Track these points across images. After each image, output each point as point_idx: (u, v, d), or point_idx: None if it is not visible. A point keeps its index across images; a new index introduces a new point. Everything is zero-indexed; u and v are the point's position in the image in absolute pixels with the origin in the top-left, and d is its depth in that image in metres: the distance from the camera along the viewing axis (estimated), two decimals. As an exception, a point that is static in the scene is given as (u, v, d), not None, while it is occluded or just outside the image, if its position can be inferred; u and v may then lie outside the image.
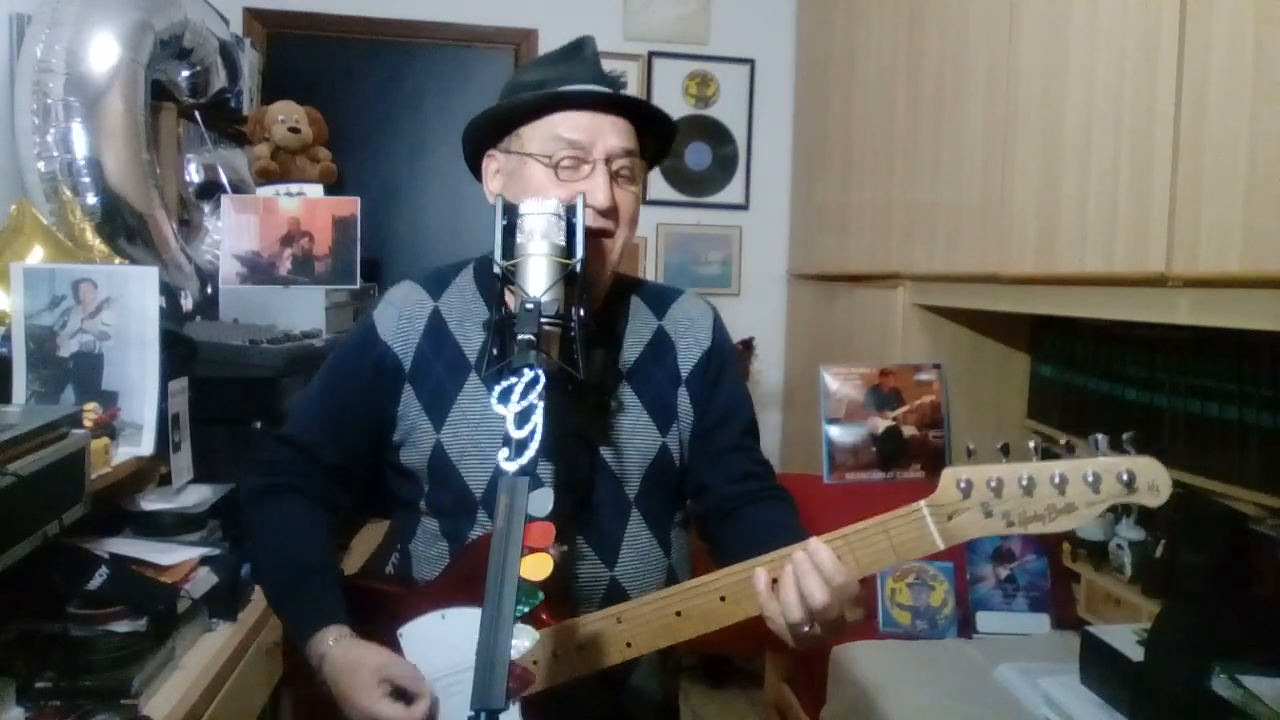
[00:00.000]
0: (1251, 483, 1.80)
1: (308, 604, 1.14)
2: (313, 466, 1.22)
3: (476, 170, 1.24)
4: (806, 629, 0.94)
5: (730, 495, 1.21)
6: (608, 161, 1.13)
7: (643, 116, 1.17)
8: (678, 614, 1.00)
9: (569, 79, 1.15)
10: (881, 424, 2.49)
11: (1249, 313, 1.39)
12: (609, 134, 1.13)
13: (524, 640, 1.07)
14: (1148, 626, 1.62)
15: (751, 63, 3.82)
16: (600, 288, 1.20)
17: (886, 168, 2.76)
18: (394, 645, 1.12)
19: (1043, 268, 1.88)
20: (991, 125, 2.11)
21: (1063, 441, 0.90)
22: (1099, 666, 1.63)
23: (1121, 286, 1.67)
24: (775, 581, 0.95)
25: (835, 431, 2.49)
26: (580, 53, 1.19)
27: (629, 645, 1.02)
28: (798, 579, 0.93)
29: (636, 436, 1.19)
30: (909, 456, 2.48)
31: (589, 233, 1.10)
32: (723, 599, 0.98)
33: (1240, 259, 1.34)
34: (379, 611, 1.15)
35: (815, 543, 0.94)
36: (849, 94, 3.10)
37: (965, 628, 2.11)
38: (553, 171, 1.12)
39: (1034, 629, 2.10)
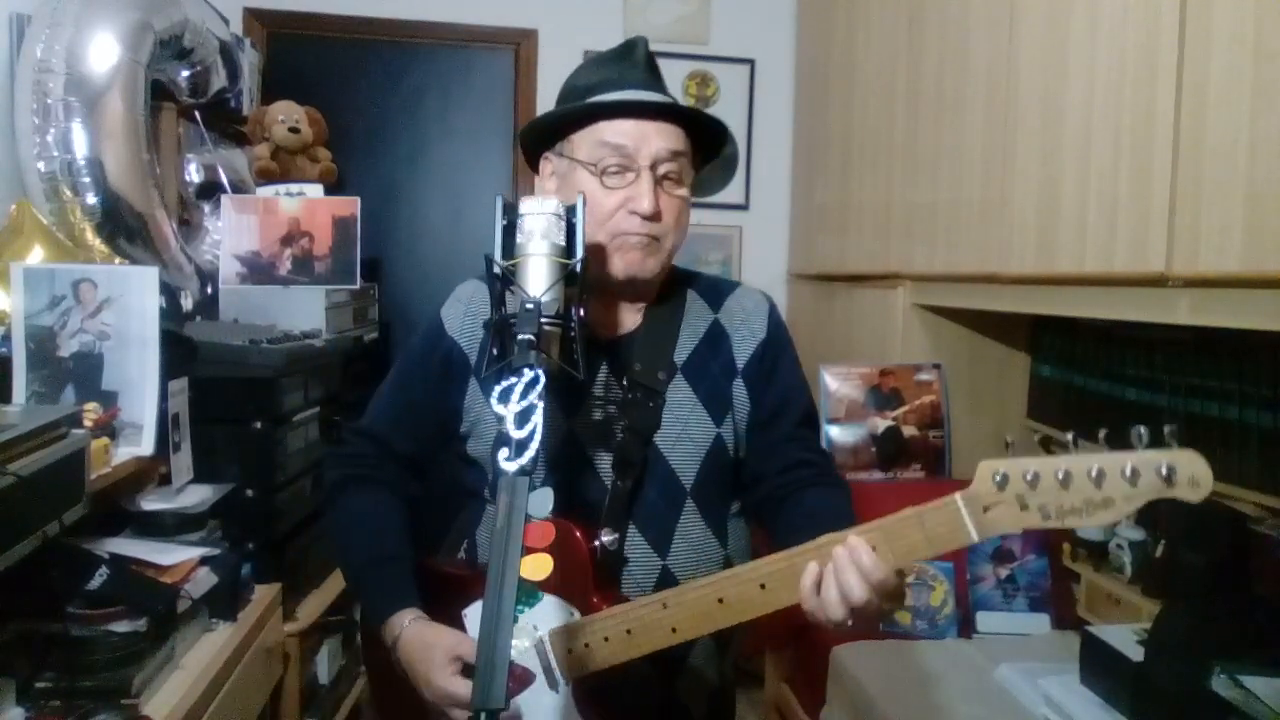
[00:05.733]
0: (1251, 483, 1.80)
1: (385, 589, 1.19)
2: (388, 456, 1.28)
3: (536, 168, 1.28)
4: (847, 622, 0.95)
5: (782, 484, 1.22)
6: (653, 167, 1.15)
7: (690, 117, 1.20)
8: (720, 600, 1.01)
9: (619, 82, 1.19)
10: (881, 424, 2.49)
11: (1249, 313, 1.39)
12: (654, 139, 1.15)
13: (524, 640, 1.08)
14: (1148, 626, 1.62)
15: (751, 63, 3.81)
16: (649, 286, 1.24)
17: (886, 168, 2.76)
18: (459, 625, 1.17)
19: (1042, 268, 1.88)
20: (991, 125, 2.11)
21: (1101, 434, 0.88)
22: (1099, 666, 1.63)
23: (1121, 286, 1.67)
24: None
25: (835, 431, 2.49)
26: (631, 55, 1.23)
27: (674, 631, 1.03)
28: (838, 577, 0.93)
29: (691, 429, 1.22)
30: (909, 456, 2.48)
31: (635, 237, 1.15)
32: (763, 587, 0.99)
33: (1240, 259, 1.34)
34: (446, 593, 1.20)
35: (854, 539, 0.94)
36: (849, 94, 3.10)
37: (965, 628, 2.11)
38: (599, 178, 1.15)
39: (1034, 629, 2.10)
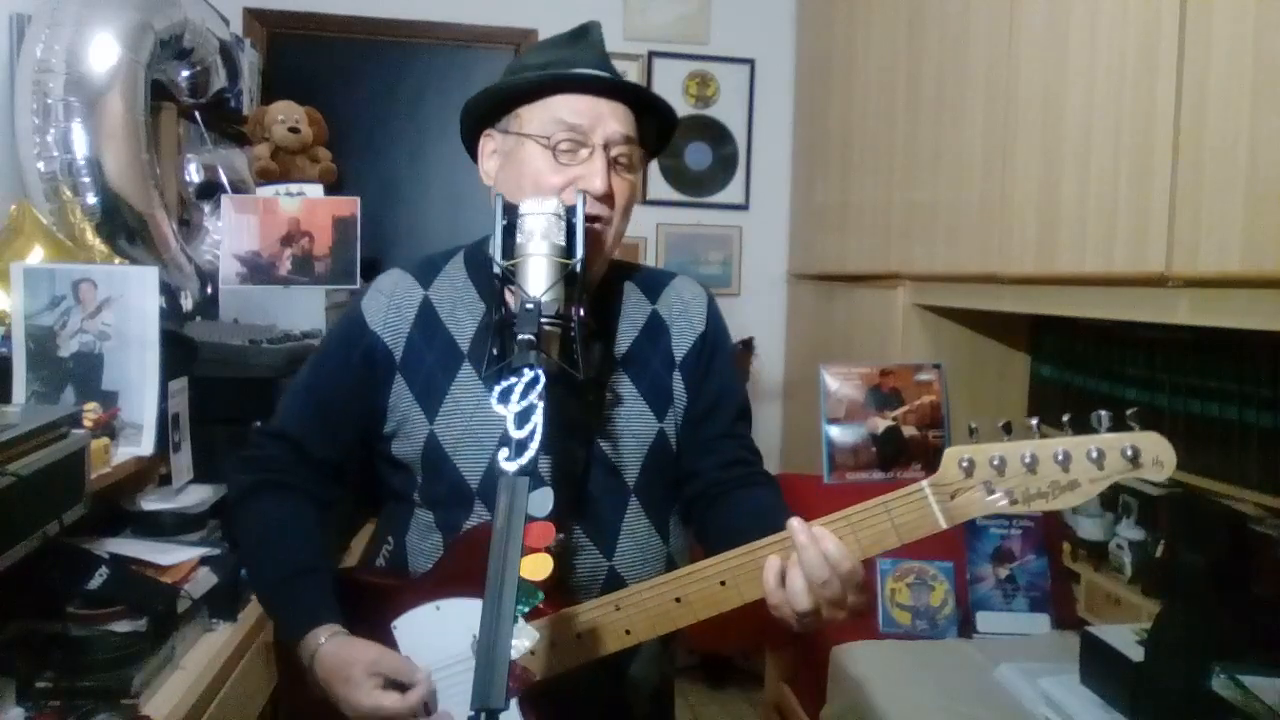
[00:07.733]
0: (1251, 483, 1.81)
1: (299, 604, 1.12)
2: (301, 461, 1.20)
3: (473, 150, 1.23)
4: (811, 615, 0.93)
5: (717, 481, 1.20)
6: (606, 147, 1.11)
7: (644, 105, 1.16)
8: (677, 600, 0.99)
9: (573, 63, 1.15)
10: (881, 424, 2.49)
11: (1249, 313, 1.39)
12: (609, 119, 1.12)
13: (524, 640, 1.08)
14: (1148, 626, 1.62)
15: (751, 63, 3.81)
16: (594, 276, 1.18)
17: (886, 168, 2.76)
18: (389, 638, 1.11)
19: (1043, 268, 1.88)
20: (991, 125, 2.11)
21: (1064, 418, 0.89)
22: (1099, 666, 1.63)
23: (1121, 286, 1.67)
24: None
25: (835, 431, 2.49)
26: (586, 37, 1.20)
27: (628, 633, 1.02)
28: (804, 567, 0.92)
29: (633, 424, 1.18)
30: (909, 456, 2.48)
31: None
32: (723, 584, 0.97)
33: (1240, 259, 1.34)
34: (373, 604, 1.14)
35: (820, 529, 0.93)
36: (849, 94, 3.10)
37: (965, 628, 2.11)
38: (550, 154, 1.11)
39: (1034, 629, 2.10)
